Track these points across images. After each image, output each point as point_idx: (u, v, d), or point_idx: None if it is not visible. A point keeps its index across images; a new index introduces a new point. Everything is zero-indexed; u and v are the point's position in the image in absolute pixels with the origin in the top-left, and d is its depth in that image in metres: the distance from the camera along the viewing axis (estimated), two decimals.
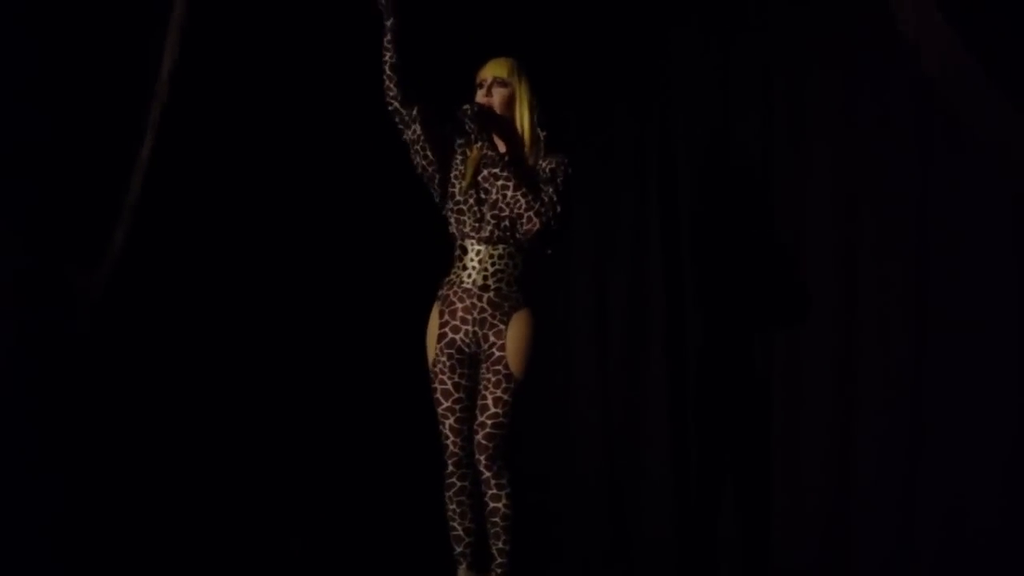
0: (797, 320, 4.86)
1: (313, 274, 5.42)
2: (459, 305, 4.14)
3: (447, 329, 4.15)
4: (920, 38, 3.42)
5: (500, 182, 4.03)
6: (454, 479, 4.23)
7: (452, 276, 4.19)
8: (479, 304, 4.13)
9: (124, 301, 4.98)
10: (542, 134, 4.15)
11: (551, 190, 4.03)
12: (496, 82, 4.15)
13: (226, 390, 5.22)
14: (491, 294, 4.12)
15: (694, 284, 5.20)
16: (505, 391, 4.11)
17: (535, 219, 3.98)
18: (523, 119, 4.15)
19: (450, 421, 4.19)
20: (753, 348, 5.02)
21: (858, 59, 4.63)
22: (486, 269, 4.12)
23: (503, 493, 4.15)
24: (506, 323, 4.12)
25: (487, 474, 4.15)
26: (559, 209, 4.01)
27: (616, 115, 5.40)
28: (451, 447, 4.21)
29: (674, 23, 5.24)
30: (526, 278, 4.18)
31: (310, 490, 5.40)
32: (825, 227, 4.81)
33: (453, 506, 4.24)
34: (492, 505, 4.16)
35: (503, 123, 4.14)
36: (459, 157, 4.21)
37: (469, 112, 4.05)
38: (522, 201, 3.98)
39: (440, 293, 4.20)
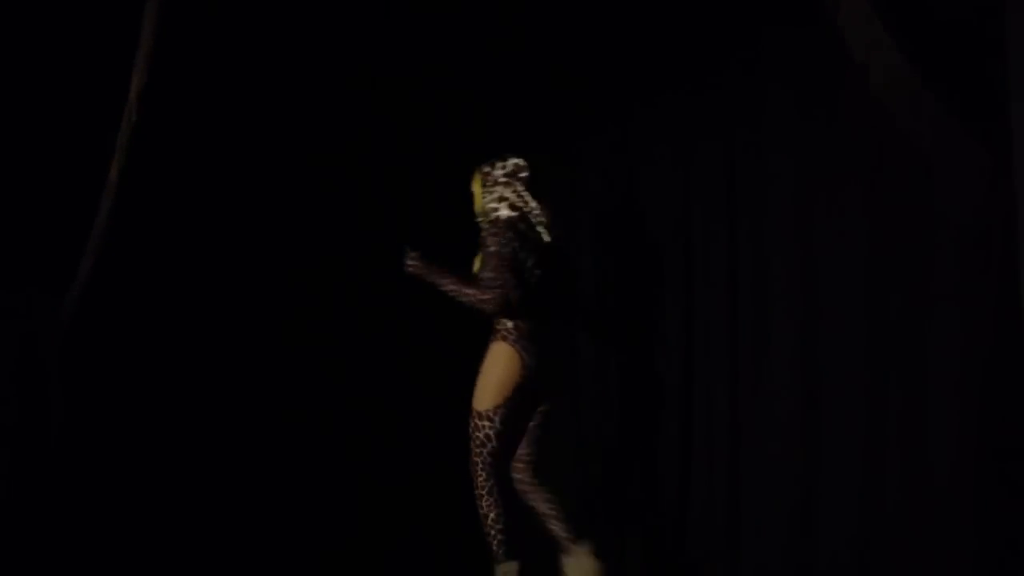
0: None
1: (286, 294, 5.35)
2: None
3: None
4: (868, 57, 3.28)
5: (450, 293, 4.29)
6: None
7: None
8: None
9: (93, 328, 4.93)
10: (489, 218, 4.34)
11: (485, 271, 4.21)
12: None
13: (200, 412, 5.17)
14: None
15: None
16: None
17: (484, 307, 4.22)
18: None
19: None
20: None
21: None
22: None
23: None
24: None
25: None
26: (498, 282, 4.17)
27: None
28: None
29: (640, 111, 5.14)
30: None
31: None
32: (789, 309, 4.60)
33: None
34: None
35: (438, 274, 4.30)
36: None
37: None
38: (464, 302, 4.23)
39: None
